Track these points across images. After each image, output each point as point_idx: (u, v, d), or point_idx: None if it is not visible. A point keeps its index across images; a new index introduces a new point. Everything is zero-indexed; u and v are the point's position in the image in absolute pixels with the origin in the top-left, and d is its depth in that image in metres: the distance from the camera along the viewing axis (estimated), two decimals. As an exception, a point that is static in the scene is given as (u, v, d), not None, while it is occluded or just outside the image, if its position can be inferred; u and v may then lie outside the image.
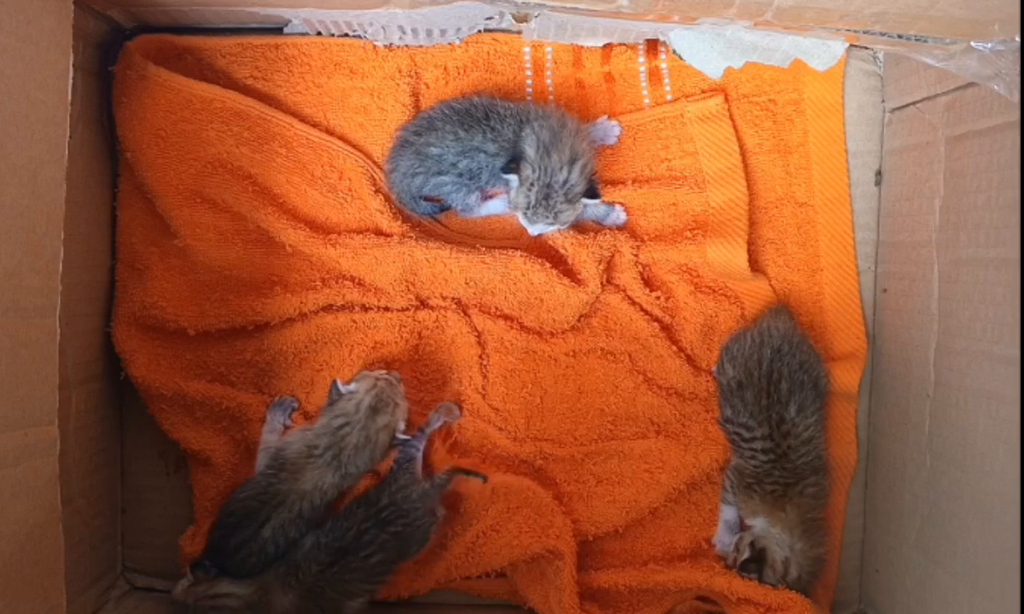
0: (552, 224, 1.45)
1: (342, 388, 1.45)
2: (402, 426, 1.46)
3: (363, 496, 1.45)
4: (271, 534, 1.40)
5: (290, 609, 1.37)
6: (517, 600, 1.54)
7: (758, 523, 1.47)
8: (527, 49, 1.56)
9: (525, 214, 1.44)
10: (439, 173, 1.47)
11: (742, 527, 1.51)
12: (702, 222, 1.56)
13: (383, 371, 1.49)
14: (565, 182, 1.41)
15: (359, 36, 1.54)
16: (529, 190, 1.42)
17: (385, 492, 1.43)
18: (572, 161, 1.40)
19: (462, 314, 1.55)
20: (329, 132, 1.56)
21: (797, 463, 1.43)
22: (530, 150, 1.41)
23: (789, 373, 1.43)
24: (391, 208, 1.55)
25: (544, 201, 1.41)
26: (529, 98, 1.57)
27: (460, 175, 1.47)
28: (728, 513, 1.53)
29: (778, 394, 1.42)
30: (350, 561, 1.39)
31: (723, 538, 1.54)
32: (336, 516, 1.44)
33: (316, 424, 1.45)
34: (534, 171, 1.40)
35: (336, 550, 1.39)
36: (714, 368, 1.54)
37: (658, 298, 1.56)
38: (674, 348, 1.55)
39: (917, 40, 1.18)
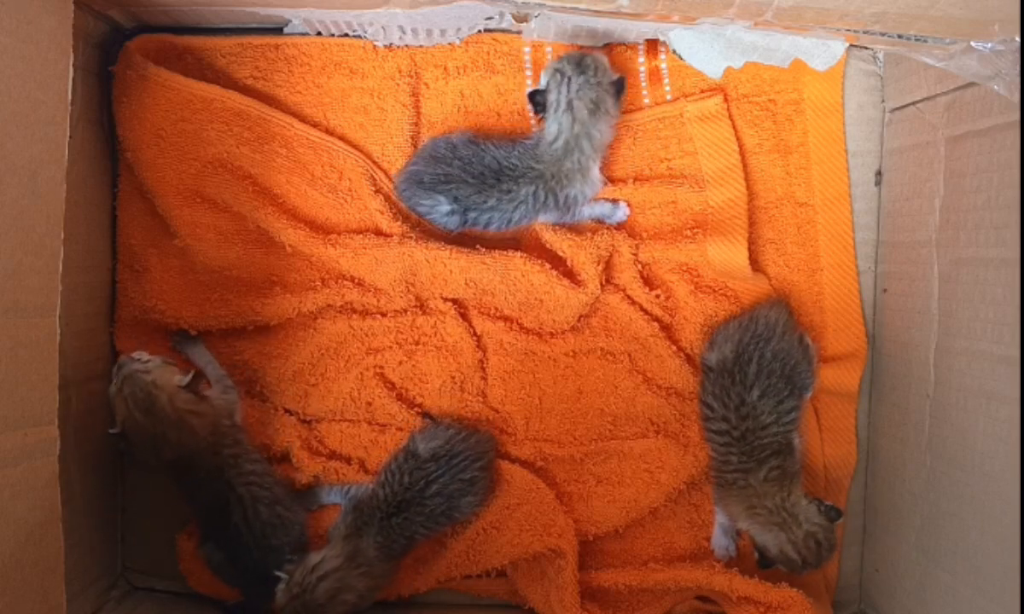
0: (594, 112, 1.43)
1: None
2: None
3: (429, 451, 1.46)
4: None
5: (377, 549, 1.42)
6: (517, 600, 1.54)
7: (742, 524, 1.46)
8: (527, 49, 1.55)
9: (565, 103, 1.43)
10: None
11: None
12: (702, 221, 1.56)
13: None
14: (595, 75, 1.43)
15: (359, 36, 1.54)
16: (561, 84, 1.42)
17: (455, 440, 1.46)
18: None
19: (461, 317, 1.55)
20: (329, 132, 1.55)
21: (754, 444, 1.39)
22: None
23: (759, 358, 1.40)
24: (391, 208, 1.55)
25: (579, 73, 1.42)
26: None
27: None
28: (722, 515, 1.53)
29: (743, 376, 1.40)
30: (414, 513, 1.43)
31: (719, 541, 1.54)
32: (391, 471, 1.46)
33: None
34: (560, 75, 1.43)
35: (401, 502, 1.42)
36: None
37: (658, 297, 1.56)
38: (674, 348, 1.55)
39: (917, 40, 1.18)
